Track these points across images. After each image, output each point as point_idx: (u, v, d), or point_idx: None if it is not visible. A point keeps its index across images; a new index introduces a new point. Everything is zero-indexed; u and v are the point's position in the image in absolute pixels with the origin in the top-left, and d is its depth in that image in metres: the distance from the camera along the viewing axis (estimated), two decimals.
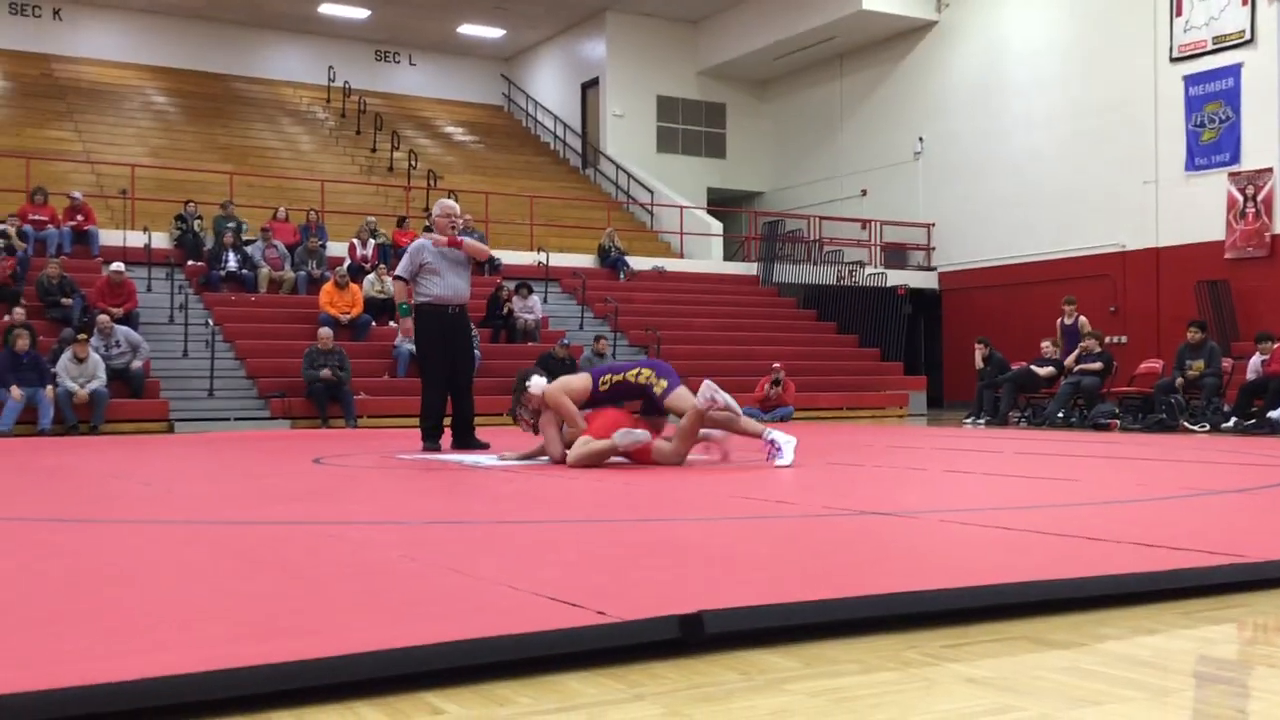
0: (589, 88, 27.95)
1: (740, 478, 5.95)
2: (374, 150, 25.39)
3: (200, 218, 18.48)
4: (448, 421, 8.69)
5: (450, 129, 28.59)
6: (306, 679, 1.85)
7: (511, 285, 18.34)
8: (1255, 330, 14.97)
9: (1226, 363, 14.07)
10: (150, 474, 6.74)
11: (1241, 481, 5.73)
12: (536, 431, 6.94)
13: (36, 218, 17.11)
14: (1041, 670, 2.02)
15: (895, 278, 22.92)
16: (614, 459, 6.64)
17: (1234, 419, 12.70)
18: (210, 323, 15.81)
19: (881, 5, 23.07)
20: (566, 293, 20.36)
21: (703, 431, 6.86)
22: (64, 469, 7.17)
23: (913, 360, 22.58)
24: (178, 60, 27.12)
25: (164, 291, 16.65)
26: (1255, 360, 13.43)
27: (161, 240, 18.17)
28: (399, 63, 29.91)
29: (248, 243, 18.12)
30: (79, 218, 17.55)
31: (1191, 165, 18.91)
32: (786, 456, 6.52)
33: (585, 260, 21.51)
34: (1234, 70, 18.33)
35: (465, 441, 8.57)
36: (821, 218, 24.83)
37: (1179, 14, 19.03)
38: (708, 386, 6.56)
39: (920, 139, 23.80)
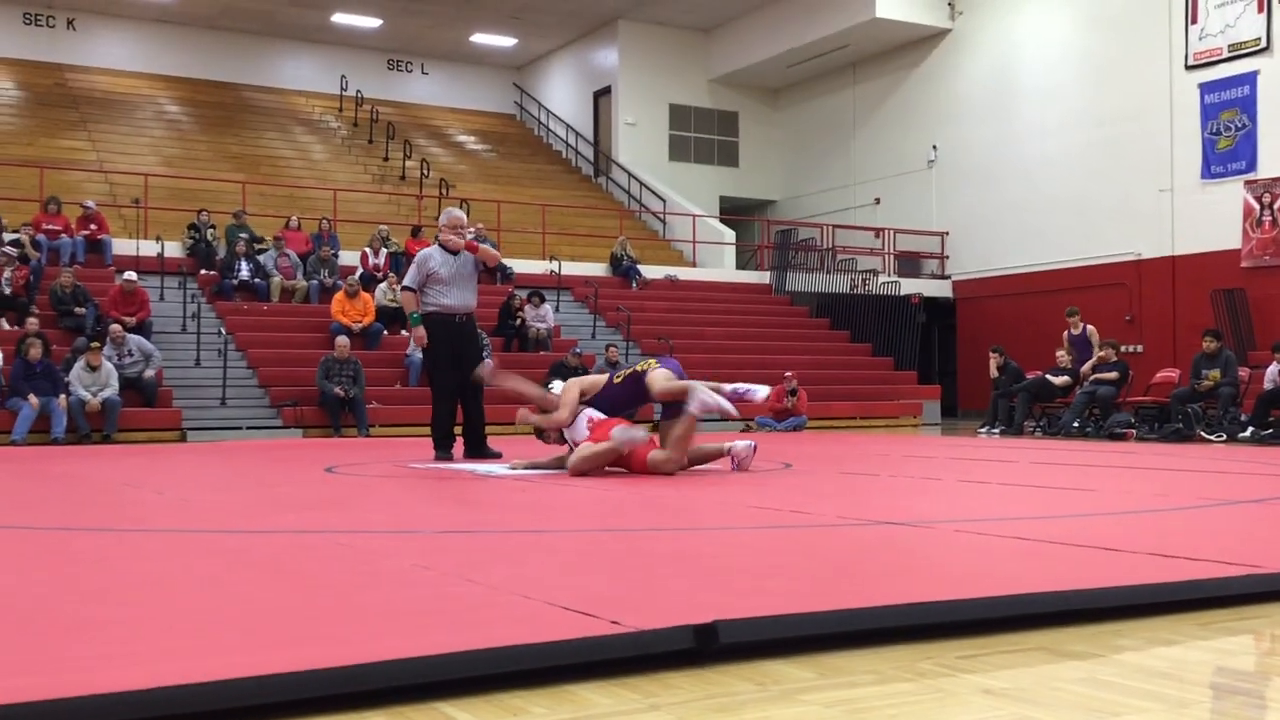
0: (601, 96, 27.99)
1: (754, 488, 5.93)
2: (386, 159, 25.45)
3: (213, 227, 18.54)
4: (459, 430, 8.68)
5: (462, 138, 28.65)
6: (320, 688, 1.84)
7: (524, 294, 18.35)
8: (1272, 339, 14.90)
9: (1243, 372, 14.00)
10: (163, 483, 6.74)
11: (1259, 492, 5.70)
12: (562, 441, 6.98)
13: (50, 227, 17.18)
14: (1058, 681, 2.01)
15: (909, 286, 22.89)
16: (614, 470, 6.62)
17: (1251, 428, 12.63)
18: (223, 331, 15.85)
19: (895, 13, 23.06)
20: (578, 301, 20.37)
21: (726, 445, 6.89)
22: (77, 477, 7.19)
23: (926, 369, 22.54)
24: (190, 70, 27.23)
25: (176, 300, 16.70)
26: (1272, 369, 13.35)
27: (174, 249, 18.22)
28: (411, 72, 29.98)
29: (260, 251, 18.16)
30: (92, 227, 17.61)
31: (1207, 173, 18.85)
32: (758, 393, 6.58)
33: (597, 269, 21.53)
34: (1250, 78, 18.28)
35: (478, 450, 8.54)
36: (835, 226, 24.80)
37: (1194, 21, 18.99)
38: (698, 392, 6.52)
39: (934, 147, 23.77)
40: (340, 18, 27.20)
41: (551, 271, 20.62)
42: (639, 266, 21.66)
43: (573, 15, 26.90)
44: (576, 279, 20.71)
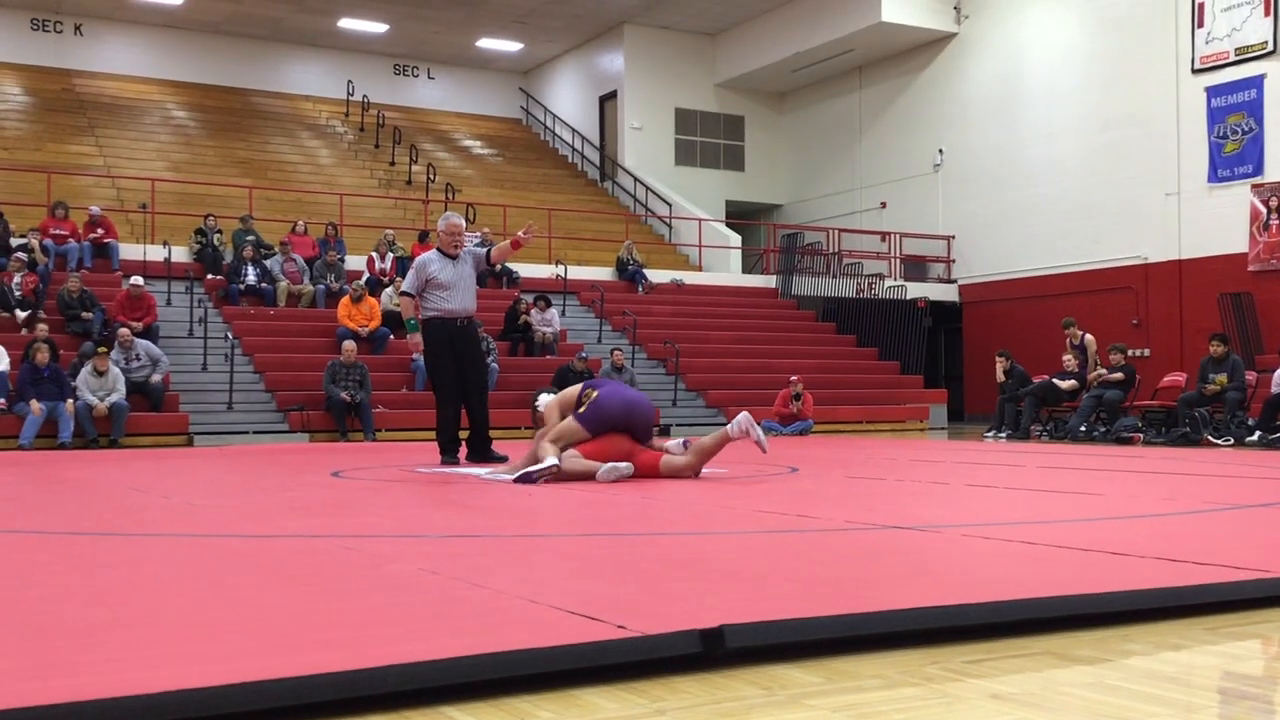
0: (607, 100, 28.01)
1: (760, 492, 5.93)
2: (392, 164, 25.48)
3: (220, 232, 18.57)
4: (465, 434, 8.68)
5: (468, 142, 28.68)
6: (327, 693, 1.84)
7: (530, 298, 18.36)
8: (1279, 343, 14.87)
9: (1250, 376, 13.97)
10: (171, 487, 6.75)
11: (1267, 496, 5.68)
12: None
13: (58, 232, 17.21)
14: (1066, 686, 2.01)
15: (915, 290, 22.88)
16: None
17: (1258, 432, 12.61)
18: (229, 336, 15.87)
19: (900, 17, 23.05)
20: (585, 305, 20.37)
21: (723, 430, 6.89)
22: (84, 482, 7.20)
23: (933, 373, 22.52)
24: (198, 75, 27.29)
25: (183, 305, 16.72)
26: (1279, 373, 13.33)
27: (181, 254, 18.25)
28: (417, 76, 30.02)
29: (267, 256, 18.19)
30: (98, 231, 17.63)
31: (1214, 177, 18.82)
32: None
33: (603, 273, 21.53)
34: (1257, 81, 18.25)
35: (482, 454, 8.53)
36: (841, 230, 24.79)
37: (1200, 25, 18.96)
38: (745, 420, 6.54)
39: (940, 151, 23.76)
40: (347, 23, 27.24)
41: (557, 276, 20.63)
42: (645, 270, 21.66)
43: (578, 20, 26.93)
44: (583, 283, 20.72)
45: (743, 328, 20.78)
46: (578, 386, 7.01)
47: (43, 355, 13.27)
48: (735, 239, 24.56)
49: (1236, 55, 18.48)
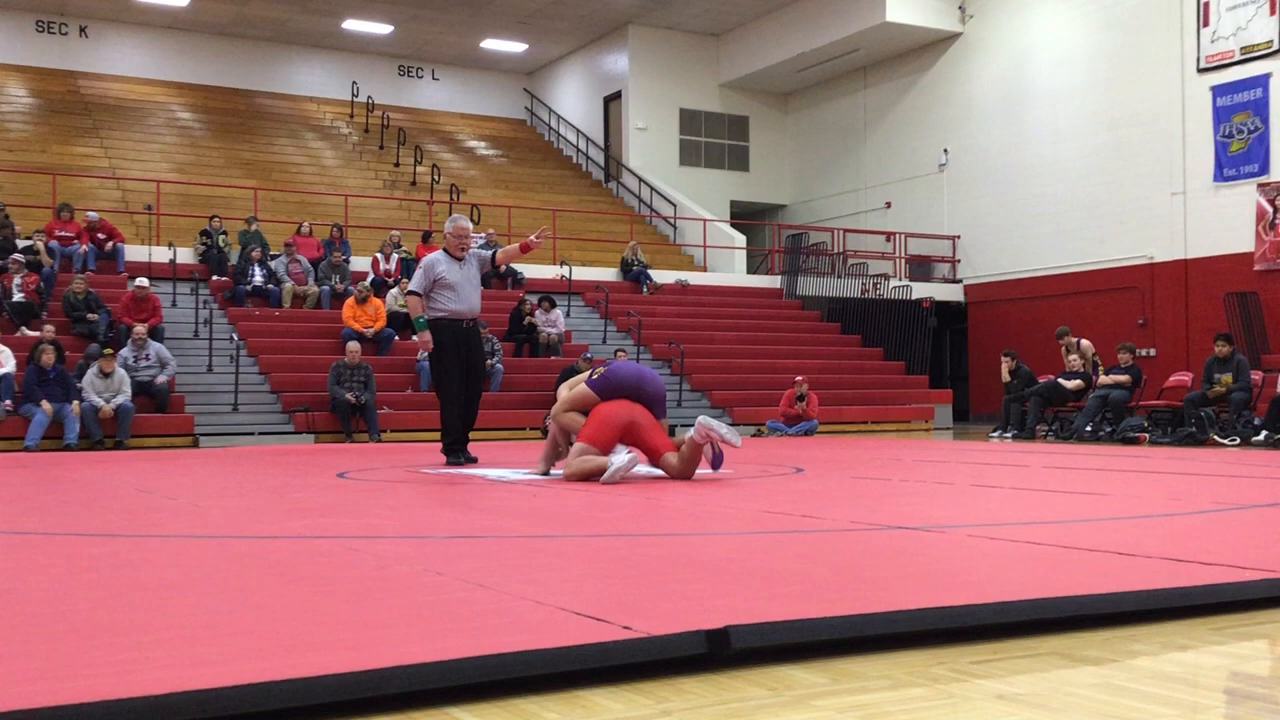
0: (611, 101, 28.01)
1: (765, 492, 5.93)
2: (397, 165, 25.51)
3: (225, 233, 18.59)
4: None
5: (473, 143, 28.70)
6: (333, 694, 1.84)
7: (534, 299, 18.37)
8: None
9: (1256, 375, 13.94)
10: (176, 488, 6.76)
11: (1273, 496, 5.67)
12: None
13: (63, 234, 17.23)
14: (1073, 687, 2.00)
15: (920, 290, 22.86)
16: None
17: (1265, 432, 12.58)
18: (235, 337, 15.88)
19: (905, 17, 23.04)
20: (589, 306, 20.38)
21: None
22: (91, 484, 7.21)
23: (938, 373, 22.50)
24: (202, 76, 27.33)
25: (189, 307, 16.75)
26: None
27: (186, 255, 18.28)
28: (422, 77, 30.05)
29: (272, 257, 18.22)
30: (100, 236, 17.60)
31: (1220, 176, 18.79)
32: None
33: (608, 274, 21.53)
34: (1263, 80, 18.23)
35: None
36: (846, 230, 24.79)
37: (1206, 24, 18.94)
38: (702, 425, 6.52)
39: (945, 151, 23.74)
40: (351, 24, 27.27)
41: (562, 276, 20.63)
42: (650, 271, 21.66)
43: (583, 20, 26.93)
44: (587, 284, 20.72)
45: (748, 328, 20.78)
46: (585, 374, 7.14)
47: (48, 357, 13.29)
48: (740, 239, 24.56)
49: (1242, 54, 18.45)
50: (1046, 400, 15.22)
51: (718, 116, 27.75)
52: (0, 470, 8.71)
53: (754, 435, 16.37)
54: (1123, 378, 14.50)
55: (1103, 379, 14.78)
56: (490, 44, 28.69)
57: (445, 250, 8.66)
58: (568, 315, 19.29)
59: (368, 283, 17.36)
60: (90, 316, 15.32)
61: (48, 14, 26.08)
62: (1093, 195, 20.73)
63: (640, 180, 26.54)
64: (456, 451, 8.55)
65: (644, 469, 6.99)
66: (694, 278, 22.54)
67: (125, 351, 14.27)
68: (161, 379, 14.28)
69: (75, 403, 13.24)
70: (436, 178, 24.26)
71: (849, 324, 21.85)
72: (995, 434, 15.38)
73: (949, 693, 1.96)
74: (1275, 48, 18.04)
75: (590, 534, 4.22)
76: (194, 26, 27.08)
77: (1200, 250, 19.10)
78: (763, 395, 17.75)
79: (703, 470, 6.81)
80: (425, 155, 25.69)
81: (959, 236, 23.60)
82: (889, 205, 25.07)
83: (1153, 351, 19.20)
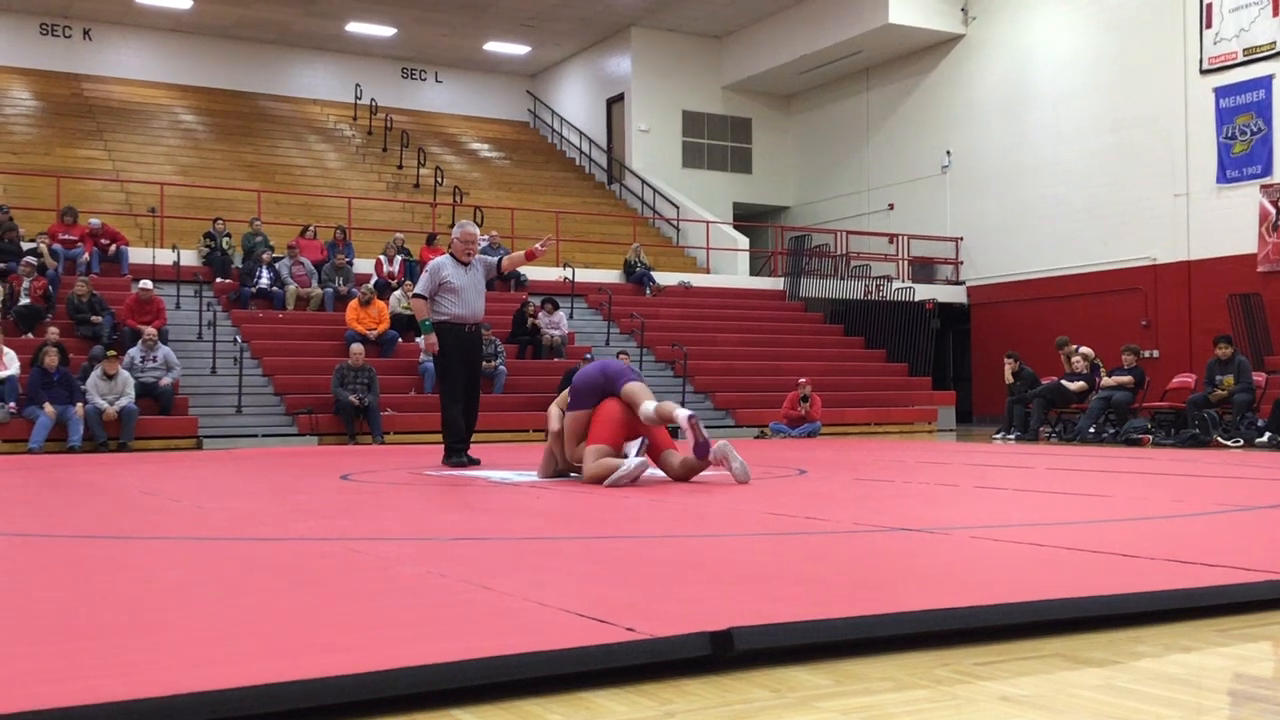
0: (614, 103, 28.03)
1: (768, 494, 5.92)
2: (400, 167, 25.53)
3: (229, 235, 18.61)
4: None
5: (476, 145, 28.72)
6: (337, 695, 1.84)
7: (537, 301, 18.37)
8: None
9: (1259, 376, 13.93)
10: (180, 490, 6.76)
11: (1277, 497, 5.67)
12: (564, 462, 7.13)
13: (66, 237, 17.25)
14: (1076, 688, 2.00)
15: (923, 292, 22.86)
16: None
17: (1268, 433, 12.57)
18: (238, 340, 15.89)
19: (908, 19, 23.04)
20: (592, 308, 20.38)
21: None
22: (95, 486, 7.21)
23: (941, 375, 22.48)
24: (206, 79, 27.36)
25: (192, 309, 16.77)
26: None
27: (190, 258, 18.30)
28: (425, 80, 30.07)
29: (276, 259, 18.23)
30: (103, 241, 17.61)
31: (1223, 178, 18.78)
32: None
33: (611, 276, 21.54)
34: (1265, 82, 18.22)
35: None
36: (848, 232, 24.79)
37: (1209, 26, 18.93)
38: (721, 451, 6.51)
39: (948, 152, 23.74)
40: (354, 27, 27.30)
41: (565, 278, 20.64)
42: (652, 273, 21.67)
43: (585, 23, 26.95)
44: (590, 286, 20.73)
45: (751, 330, 20.78)
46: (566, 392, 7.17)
47: (52, 359, 13.31)
48: (743, 241, 24.56)
49: (1245, 56, 18.45)
50: (1050, 402, 15.21)
51: (720, 118, 27.75)
52: (4, 472, 8.72)
53: (757, 437, 16.37)
54: (1126, 379, 14.48)
55: (1106, 380, 14.76)
56: (493, 46, 28.71)
57: (451, 254, 8.74)
58: (571, 317, 19.29)
59: (371, 285, 17.37)
60: (94, 319, 15.33)
61: (51, 17, 26.12)
62: (1096, 197, 20.72)
63: (643, 182, 26.55)
64: (457, 452, 8.58)
65: (651, 472, 6.99)
66: (697, 279, 22.54)
67: (134, 352, 14.30)
68: (166, 381, 14.30)
69: (79, 405, 13.25)
70: (440, 180, 24.28)
71: (852, 326, 21.85)
72: (998, 436, 15.37)
73: (953, 694, 1.96)
74: (1278, 49, 18.03)
75: (593, 535, 4.22)
76: (197, 29, 27.11)
77: (1203, 252, 19.09)
78: (766, 397, 17.75)
79: (720, 475, 6.84)
80: (428, 158, 25.71)
81: (962, 238, 23.60)
82: (891, 207, 25.06)
83: (1156, 353, 19.19)
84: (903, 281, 23.36)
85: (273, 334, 16.77)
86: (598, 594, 2.74)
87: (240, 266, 18.08)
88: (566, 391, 7.16)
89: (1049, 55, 21.79)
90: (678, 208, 25.56)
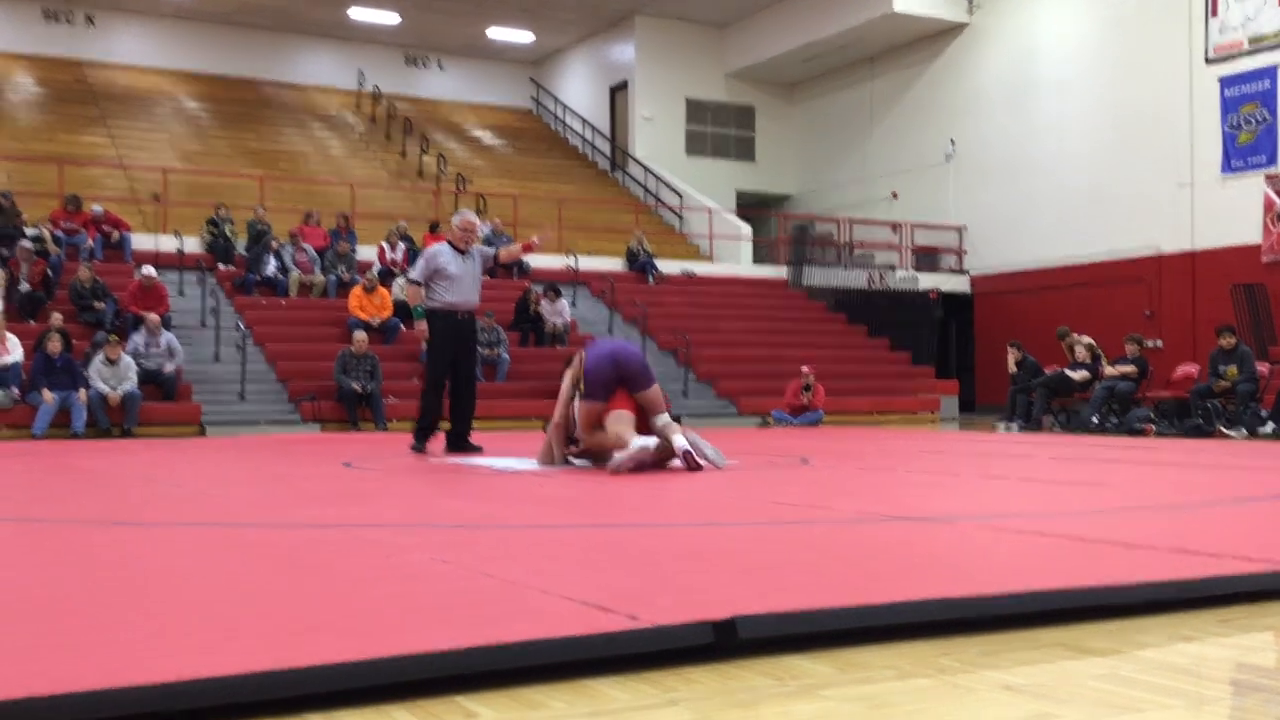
0: (618, 91, 27.98)
1: (771, 483, 5.93)
2: (403, 154, 25.50)
3: (231, 222, 18.60)
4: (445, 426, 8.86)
5: (479, 133, 28.68)
6: (340, 682, 1.85)
7: (540, 288, 18.36)
8: None
9: (1263, 367, 13.92)
10: (183, 477, 6.77)
11: (1279, 488, 5.66)
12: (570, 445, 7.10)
13: (69, 225, 17.24)
14: (1079, 678, 2.00)
15: (926, 281, 22.84)
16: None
17: (1271, 424, 12.57)
18: (241, 326, 15.90)
19: (912, 7, 22.98)
20: (595, 296, 20.37)
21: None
22: (98, 472, 7.22)
23: (944, 364, 22.47)
24: (209, 65, 27.33)
25: (195, 295, 16.77)
26: None
27: (193, 244, 18.29)
28: (428, 67, 30.02)
29: (282, 247, 18.23)
30: (105, 228, 17.61)
31: (1228, 168, 18.74)
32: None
33: (614, 263, 21.52)
34: (1270, 72, 18.16)
35: (460, 445, 8.69)
36: (852, 220, 24.75)
37: (1214, 15, 18.87)
38: (683, 446, 6.49)
39: (951, 141, 23.70)
40: (357, 13, 27.24)
41: (568, 266, 20.63)
42: (655, 261, 21.65)
43: (589, 10, 26.90)
44: (593, 274, 20.72)
45: (753, 318, 20.77)
46: (577, 360, 7.08)
47: (55, 345, 13.32)
48: (746, 229, 24.53)
49: (1250, 45, 18.39)
50: (1053, 391, 15.21)
51: (724, 106, 27.71)
52: (7, 458, 8.74)
53: (759, 425, 16.37)
54: (1129, 369, 14.48)
55: (1109, 370, 14.76)
56: (497, 33, 28.66)
57: (449, 242, 8.74)
58: (573, 305, 19.28)
59: (374, 272, 17.36)
60: (97, 305, 15.34)
61: (54, 2, 26.08)
62: (1100, 186, 20.68)
63: (646, 170, 26.51)
64: (425, 439, 8.64)
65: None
66: (700, 268, 22.52)
67: (136, 339, 14.32)
68: (169, 368, 14.31)
69: (82, 390, 13.26)
70: (443, 167, 24.25)
71: (855, 314, 21.83)
72: (1001, 425, 15.37)
73: (955, 683, 1.96)
74: None
75: (597, 524, 4.22)
76: (200, 15, 27.07)
77: (1207, 242, 19.06)
78: (769, 386, 17.74)
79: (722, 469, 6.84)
80: (431, 145, 25.68)
81: (965, 227, 23.57)
82: (895, 196, 25.03)
83: (1159, 343, 19.17)
84: (906, 270, 23.34)
85: (275, 321, 16.77)
86: (601, 582, 2.74)
87: (246, 254, 18.08)
88: (577, 362, 7.11)
89: (1053, 44, 21.73)
90: (681, 196, 25.53)
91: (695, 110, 27.49)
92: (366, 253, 18.92)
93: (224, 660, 1.90)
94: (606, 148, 28.34)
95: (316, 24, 27.91)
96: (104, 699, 1.70)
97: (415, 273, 8.75)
